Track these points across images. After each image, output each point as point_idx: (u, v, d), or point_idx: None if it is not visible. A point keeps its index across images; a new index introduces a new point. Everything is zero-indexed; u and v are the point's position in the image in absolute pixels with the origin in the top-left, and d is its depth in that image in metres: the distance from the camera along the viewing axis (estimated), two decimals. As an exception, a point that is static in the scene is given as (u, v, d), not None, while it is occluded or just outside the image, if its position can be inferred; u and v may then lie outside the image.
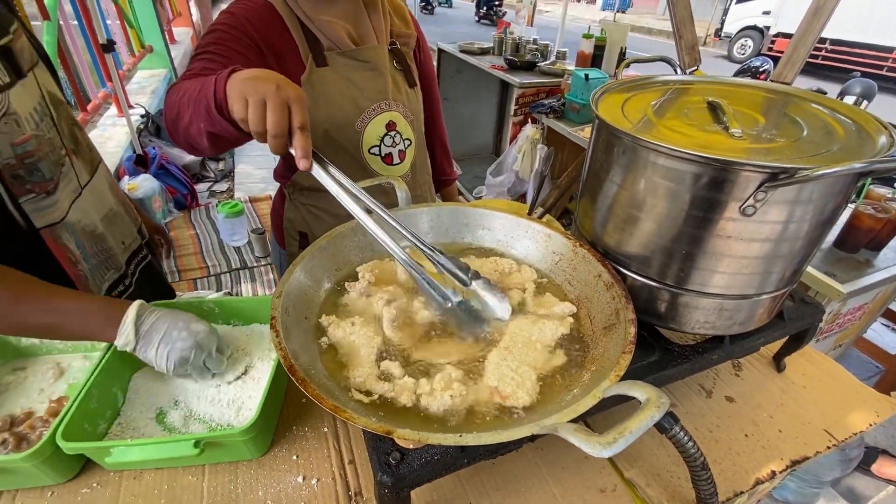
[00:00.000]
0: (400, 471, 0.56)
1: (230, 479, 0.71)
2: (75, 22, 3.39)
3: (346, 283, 0.73)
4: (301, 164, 0.66)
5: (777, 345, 0.90)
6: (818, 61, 9.28)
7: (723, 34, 12.33)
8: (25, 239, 0.81)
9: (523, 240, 0.82)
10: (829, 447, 0.77)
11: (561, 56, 3.17)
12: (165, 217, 3.31)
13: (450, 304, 0.69)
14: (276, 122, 0.63)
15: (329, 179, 0.69)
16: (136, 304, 0.73)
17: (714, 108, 0.71)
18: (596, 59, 2.88)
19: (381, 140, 1.18)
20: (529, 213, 1.05)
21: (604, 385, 0.49)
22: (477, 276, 0.69)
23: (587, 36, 2.78)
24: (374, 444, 0.58)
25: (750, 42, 11.10)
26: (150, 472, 0.72)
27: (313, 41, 1.04)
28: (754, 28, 11.00)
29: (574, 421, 0.45)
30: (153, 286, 1.16)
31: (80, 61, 3.46)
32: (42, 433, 0.69)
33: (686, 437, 0.64)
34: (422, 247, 0.69)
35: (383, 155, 1.20)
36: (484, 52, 3.46)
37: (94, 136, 3.63)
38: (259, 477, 0.72)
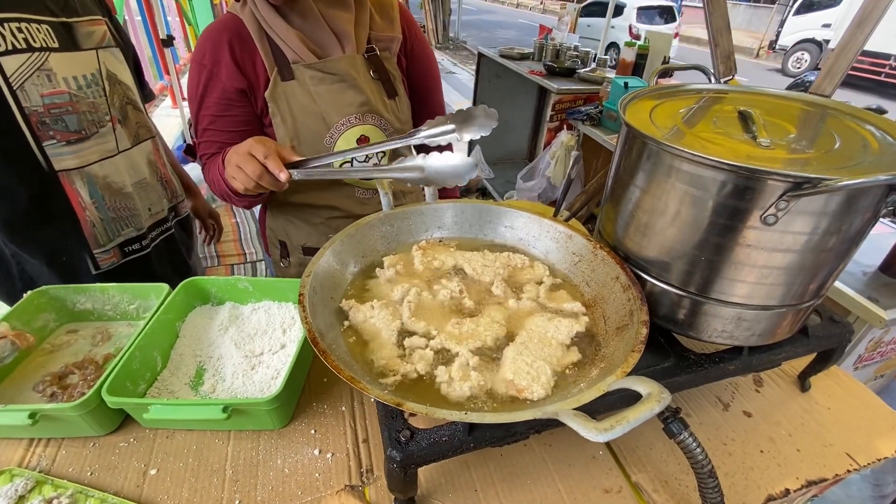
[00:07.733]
0: (409, 448, 0.58)
1: (252, 446, 0.76)
2: (139, 18, 3.64)
3: (377, 269, 0.77)
4: (281, 177, 0.82)
5: (802, 363, 0.88)
6: (881, 78, 8.76)
7: (777, 47, 11.84)
8: (45, 178, 0.95)
9: (545, 240, 0.84)
10: (849, 471, 0.75)
11: (601, 64, 3.14)
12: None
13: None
14: (251, 171, 0.83)
15: (314, 172, 0.85)
16: None
17: (744, 118, 0.71)
18: (638, 68, 2.84)
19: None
20: (555, 216, 1.06)
21: (609, 380, 0.50)
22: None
23: (629, 44, 2.74)
24: (387, 422, 0.61)
25: (807, 56, 10.65)
26: (181, 433, 0.78)
27: (279, 54, 0.98)
28: (812, 41, 10.55)
29: (577, 411, 0.47)
30: (171, 258, 1.27)
31: (142, 55, 3.71)
32: (92, 384, 0.76)
33: (694, 443, 0.64)
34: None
35: None
36: (524, 57, 3.47)
37: (150, 124, 3.88)
38: (279, 447, 0.76)
